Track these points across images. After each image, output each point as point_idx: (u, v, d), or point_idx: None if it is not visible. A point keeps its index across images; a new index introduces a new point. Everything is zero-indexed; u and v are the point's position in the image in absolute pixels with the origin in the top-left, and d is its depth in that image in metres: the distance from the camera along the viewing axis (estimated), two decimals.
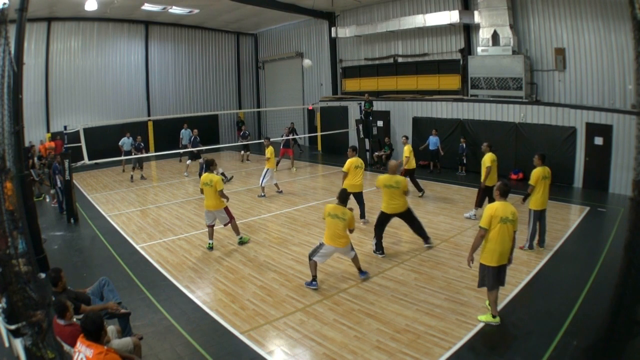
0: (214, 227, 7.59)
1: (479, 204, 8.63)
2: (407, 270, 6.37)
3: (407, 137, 11.49)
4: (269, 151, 10.94)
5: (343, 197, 6.08)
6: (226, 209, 7.45)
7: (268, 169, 10.92)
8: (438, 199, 10.63)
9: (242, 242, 7.65)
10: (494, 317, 4.83)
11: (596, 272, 6.15)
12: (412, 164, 10.55)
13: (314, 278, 5.86)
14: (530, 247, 7.00)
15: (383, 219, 7.01)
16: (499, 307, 5.05)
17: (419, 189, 10.73)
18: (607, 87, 11.54)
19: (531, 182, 6.82)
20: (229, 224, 7.53)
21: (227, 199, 7.47)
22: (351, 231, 5.90)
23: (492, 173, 8.35)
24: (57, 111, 17.10)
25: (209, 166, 7.53)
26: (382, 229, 7.02)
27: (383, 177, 6.91)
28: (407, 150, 10.46)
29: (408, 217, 7.10)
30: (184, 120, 16.73)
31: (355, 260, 6.09)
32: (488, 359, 4.21)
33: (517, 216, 4.76)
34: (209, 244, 7.50)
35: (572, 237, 7.82)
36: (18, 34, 6.24)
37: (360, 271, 6.12)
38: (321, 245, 5.87)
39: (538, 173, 6.79)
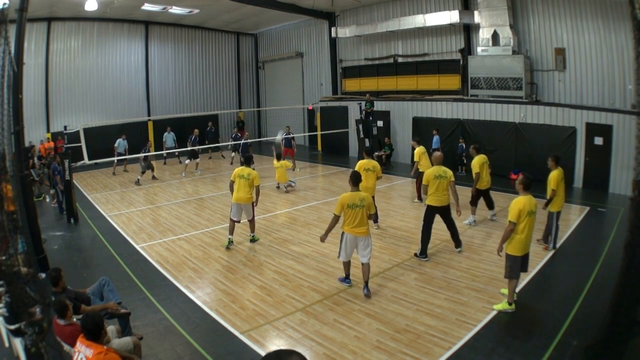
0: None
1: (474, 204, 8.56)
2: (407, 270, 6.37)
3: (417, 141, 10.39)
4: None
5: (356, 180, 5.66)
6: (252, 205, 7.51)
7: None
8: None
9: (253, 240, 7.74)
10: (509, 304, 5.07)
11: (596, 272, 6.15)
12: (426, 167, 9.75)
13: (347, 276, 5.91)
14: (554, 247, 7.02)
15: (430, 215, 6.77)
16: (498, 305, 5.14)
17: (420, 197, 10.23)
18: (607, 87, 11.54)
19: (553, 186, 6.72)
20: (251, 220, 7.59)
21: (257, 201, 7.49)
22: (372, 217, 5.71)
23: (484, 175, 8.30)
24: (57, 111, 17.08)
25: (248, 161, 7.64)
26: (430, 229, 6.73)
27: (431, 169, 6.84)
28: (416, 154, 9.91)
29: (448, 214, 6.89)
30: (184, 120, 16.72)
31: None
32: (488, 359, 4.21)
33: (537, 207, 5.15)
34: (229, 239, 7.48)
35: (572, 237, 7.83)
36: (18, 34, 6.24)
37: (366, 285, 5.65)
38: (342, 235, 5.63)
39: (558, 176, 6.75)
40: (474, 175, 8.28)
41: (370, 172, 7.79)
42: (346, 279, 5.91)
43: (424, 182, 6.86)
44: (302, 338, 4.65)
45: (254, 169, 7.50)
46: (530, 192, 5.08)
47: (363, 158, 8.31)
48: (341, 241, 5.64)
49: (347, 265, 5.83)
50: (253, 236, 7.77)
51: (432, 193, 6.73)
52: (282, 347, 4.49)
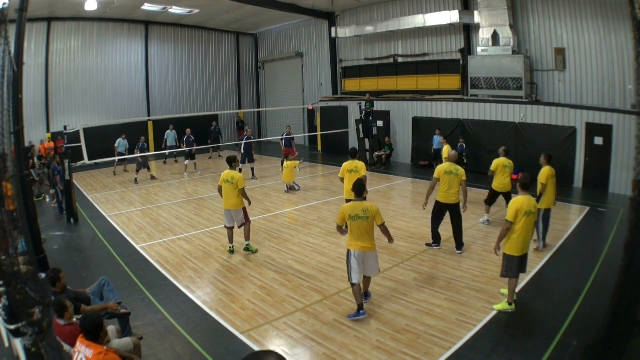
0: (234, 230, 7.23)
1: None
2: (407, 270, 6.37)
3: (445, 138, 10.55)
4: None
5: (359, 189, 5.16)
6: (244, 210, 7.06)
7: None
8: None
9: (248, 249, 7.24)
10: (509, 304, 5.06)
11: (596, 272, 6.15)
12: None
13: (360, 307, 5.05)
14: (544, 245, 7.03)
15: (438, 211, 7.02)
16: (498, 305, 5.14)
17: None
18: (607, 87, 11.54)
19: (542, 181, 6.81)
20: (243, 227, 7.16)
21: (249, 202, 7.11)
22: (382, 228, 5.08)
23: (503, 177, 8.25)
24: (57, 111, 17.08)
25: (232, 163, 7.11)
26: (439, 222, 7.06)
27: (443, 165, 7.02)
28: (446, 150, 9.96)
29: (456, 212, 6.99)
30: (184, 120, 16.69)
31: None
32: (488, 359, 4.21)
33: (537, 208, 5.17)
34: (230, 247, 7.19)
35: (573, 237, 7.83)
36: (18, 34, 6.24)
37: (366, 294, 5.47)
38: (348, 253, 5.05)
39: (547, 172, 6.84)
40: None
41: (353, 173, 7.51)
42: (359, 310, 4.99)
43: (435, 176, 7.01)
44: (302, 338, 4.64)
45: (240, 171, 7.28)
46: (530, 192, 5.08)
47: (357, 159, 8.15)
48: (348, 260, 5.00)
49: (358, 291, 4.97)
50: (248, 245, 7.25)
51: (441, 189, 6.90)
52: (282, 347, 4.50)
